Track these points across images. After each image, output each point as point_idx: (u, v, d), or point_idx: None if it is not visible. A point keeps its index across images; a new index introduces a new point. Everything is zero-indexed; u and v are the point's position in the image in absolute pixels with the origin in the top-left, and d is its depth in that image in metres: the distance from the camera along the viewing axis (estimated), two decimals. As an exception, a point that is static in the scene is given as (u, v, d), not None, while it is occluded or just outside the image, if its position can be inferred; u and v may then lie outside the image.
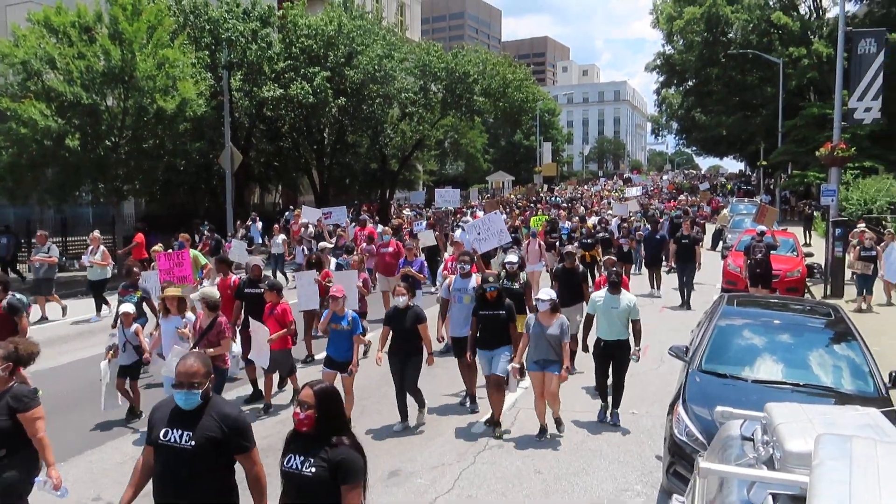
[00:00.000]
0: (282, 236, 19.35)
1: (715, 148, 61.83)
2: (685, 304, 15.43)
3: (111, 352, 8.13)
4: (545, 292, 7.59)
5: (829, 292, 16.43)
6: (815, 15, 43.41)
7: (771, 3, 43.62)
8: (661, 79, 54.39)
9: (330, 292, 7.91)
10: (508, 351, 7.78)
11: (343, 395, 6.56)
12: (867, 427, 3.32)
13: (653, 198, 44.28)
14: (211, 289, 8.31)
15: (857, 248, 15.72)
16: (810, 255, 17.79)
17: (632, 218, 24.22)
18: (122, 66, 19.00)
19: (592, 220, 22.35)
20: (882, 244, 15.81)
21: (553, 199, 46.25)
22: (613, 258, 11.42)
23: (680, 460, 5.78)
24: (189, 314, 8.08)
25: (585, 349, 8.70)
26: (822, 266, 17.87)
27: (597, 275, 16.85)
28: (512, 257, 9.53)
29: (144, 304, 10.27)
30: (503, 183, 60.37)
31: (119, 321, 8.49)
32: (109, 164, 20.11)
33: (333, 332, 7.74)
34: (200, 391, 3.68)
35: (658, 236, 17.71)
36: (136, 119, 20.17)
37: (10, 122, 18.56)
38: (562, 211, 28.44)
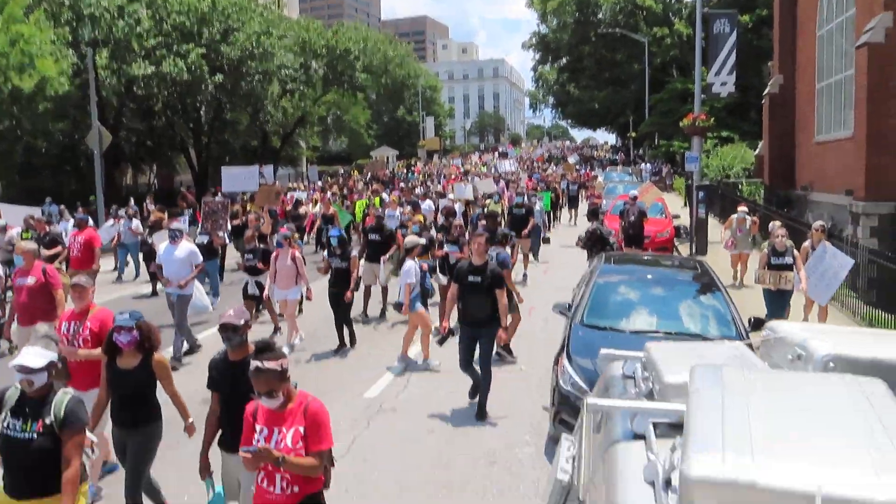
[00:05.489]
0: None
1: (588, 120, 64.43)
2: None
3: None
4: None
5: (695, 250, 17.81)
6: (674, -2, 46.08)
7: (636, -15, 45.82)
8: (538, 56, 56.01)
9: None
10: None
11: None
12: (734, 358, 3.67)
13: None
14: None
15: (767, 251, 9.91)
16: (677, 216, 19.11)
17: (486, 201, 19.19)
18: (-32, 41, 17.41)
19: (427, 205, 18.46)
20: (805, 246, 10.14)
21: (410, 176, 37.92)
22: None
23: (565, 408, 6.15)
24: None
25: None
26: (688, 227, 19.24)
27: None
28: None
29: None
30: (387, 157, 60.17)
31: None
32: (-42, 146, 18.50)
33: None
34: None
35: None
36: (-11, 99, 18.61)
37: None
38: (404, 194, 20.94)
